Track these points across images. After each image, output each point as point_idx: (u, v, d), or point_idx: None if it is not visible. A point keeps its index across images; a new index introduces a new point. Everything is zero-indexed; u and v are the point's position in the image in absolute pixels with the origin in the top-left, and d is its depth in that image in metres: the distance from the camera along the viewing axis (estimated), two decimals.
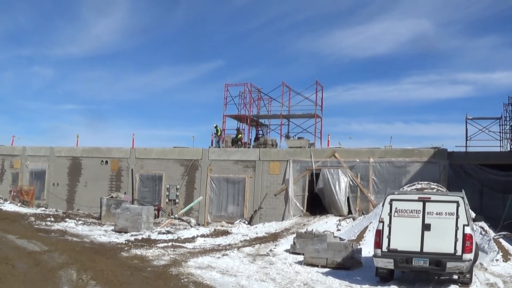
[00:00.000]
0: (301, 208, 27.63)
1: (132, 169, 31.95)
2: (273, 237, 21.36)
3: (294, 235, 18.26)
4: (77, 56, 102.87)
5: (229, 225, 26.87)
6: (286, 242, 19.22)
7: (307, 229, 19.94)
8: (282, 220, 27.19)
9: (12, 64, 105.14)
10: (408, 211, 12.26)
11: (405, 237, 12.16)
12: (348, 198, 26.64)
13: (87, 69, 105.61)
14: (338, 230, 22.36)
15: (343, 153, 27.41)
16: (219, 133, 32.65)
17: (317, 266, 14.77)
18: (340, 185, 26.59)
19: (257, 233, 23.05)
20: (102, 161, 33.46)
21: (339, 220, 24.51)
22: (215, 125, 32.93)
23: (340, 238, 18.16)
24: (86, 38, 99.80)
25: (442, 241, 11.86)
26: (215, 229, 24.16)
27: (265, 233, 23.06)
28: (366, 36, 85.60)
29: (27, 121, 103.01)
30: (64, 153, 35.16)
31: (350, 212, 26.35)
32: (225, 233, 23.00)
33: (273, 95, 34.78)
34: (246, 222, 27.58)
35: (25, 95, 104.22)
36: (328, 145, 29.98)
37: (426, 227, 12.03)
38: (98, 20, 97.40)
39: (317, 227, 21.41)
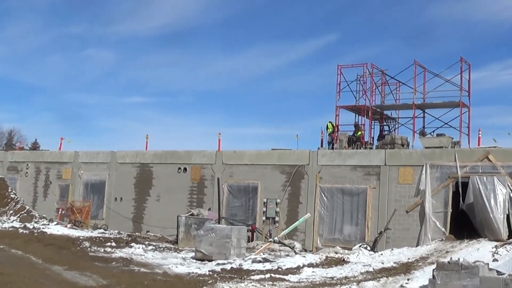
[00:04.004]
0: (443, 229, 26.95)
1: (218, 178, 32.54)
2: (405, 268, 20.94)
3: (434, 266, 17.77)
4: (144, 35, 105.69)
5: (346, 251, 26.70)
6: (423, 276, 18.78)
7: (451, 258, 19.34)
8: (417, 245, 26.71)
9: (58, 47, 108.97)
10: None
11: None
12: (508, 216, 25.66)
13: (158, 52, 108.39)
14: (495, 260, 21.59)
15: (500, 155, 26.43)
16: (330, 130, 32.65)
17: None
18: (497, 199, 25.67)
19: (383, 263, 22.69)
20: (180, 168, 34.36)
21: (496, 247, 23.64)
22: (329, 121, 32.99)
23: (497, 271, 17.47)
24: (156, 11, 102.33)
25: None
26: (327, 257, 24.07)
27: (394, 262, 22.66)
28: None
29: (79, 119, 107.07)
30: (130, 159, 36.42)
31: (511, 235, 25.40)
32: (340, 261, 22.85)
33: (402, 78, 34.67)
34: (368, 248, 27.26)
35: (77, 85, 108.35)
36: (478, 144, 29.09)
37: None
38: None
39: (465, 256, 20.73)
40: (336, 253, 26.09)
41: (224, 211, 32.05)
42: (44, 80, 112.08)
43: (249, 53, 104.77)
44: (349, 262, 22.92)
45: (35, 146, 64.80)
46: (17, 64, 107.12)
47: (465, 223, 26.77)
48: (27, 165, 40.40)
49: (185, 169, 34.14)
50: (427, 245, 26.29)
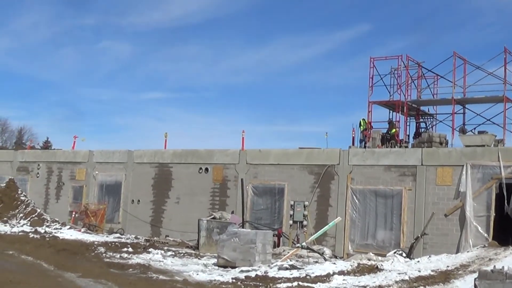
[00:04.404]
0: (485, 235, 26.64)
1: (242, 179, 32.47)
2: (444, 277, 20.61)
3: (475, 275, 17.53)
4: (163, 26, 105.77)
5: (379, 258, 26.49)
6: (463, 285, 18.58)
7: (494, 266, 19.02)
8: (457, 252, 26.46)
9: (71, 39, 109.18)
10: None
11: None
12: None
13: (178, 44, 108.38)
14: None
15: None
16: (362, 128, 32.56)
17: None
18: None
19: (419, 271, 22.37)
20: (201, 168, 34.38)
21: None
22: (362, 118, 32.90)
23: None
24: (175, 0, 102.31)
25: None
26: (359, 264, 23.88)
27: (432, 270, 22.34)
28: None
29: (93, 116, 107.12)
30: (148, 159, 36.50)
31: None
32: (374, 269, 22.58)
33: (440, 71, 34.68)
34: (404, 254, 27.08)
35: (91, 80, 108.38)
36: None
37: None
38: None
39: (510, 264, 20.38)
40: (369, 260, 25.91)
41: (248, 214, 32.00)
42: (55, 75, 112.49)
43: (274, 45, 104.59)
44: (383, 269, 22.68)
45: (46, 145, 65.27)
46: (26, 58, 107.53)
47: (510, 228, 26.51)
48: (39, 165, 40.64)
49: (206, 169, 34.12)
50: (468, 251, 25.98)
